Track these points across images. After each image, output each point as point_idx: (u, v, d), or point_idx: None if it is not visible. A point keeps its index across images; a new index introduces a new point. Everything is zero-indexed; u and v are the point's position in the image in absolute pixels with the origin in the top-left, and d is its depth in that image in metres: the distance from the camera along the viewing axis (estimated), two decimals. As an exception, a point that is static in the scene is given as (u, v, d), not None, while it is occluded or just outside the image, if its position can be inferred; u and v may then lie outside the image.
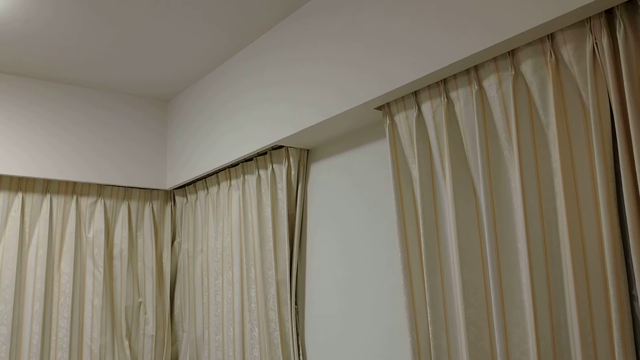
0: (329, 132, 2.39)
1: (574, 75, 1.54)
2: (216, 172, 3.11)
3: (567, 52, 1.53)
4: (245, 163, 2.85)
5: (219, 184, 3.09)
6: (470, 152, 1.79)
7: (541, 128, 1.61)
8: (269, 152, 2.66)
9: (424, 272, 1.85)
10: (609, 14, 1.45)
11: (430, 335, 1.82)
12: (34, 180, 3.09)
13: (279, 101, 2.50)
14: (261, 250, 2.64)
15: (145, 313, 3.31)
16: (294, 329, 2.52)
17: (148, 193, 3.46)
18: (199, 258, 3.21)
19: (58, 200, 3.15)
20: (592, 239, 1.48)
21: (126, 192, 3.38)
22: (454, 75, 1.82)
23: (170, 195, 3.55)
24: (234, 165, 2.94)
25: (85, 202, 3.24)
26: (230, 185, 2.97)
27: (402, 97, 2.00)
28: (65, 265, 3.10)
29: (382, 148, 2.26)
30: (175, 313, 3.40)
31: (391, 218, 2.17)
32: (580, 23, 1.50)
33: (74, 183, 3.21)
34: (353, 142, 2.41)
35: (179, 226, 3.48)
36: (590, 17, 1.48)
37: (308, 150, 2.66)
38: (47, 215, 3.08)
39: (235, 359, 2.77)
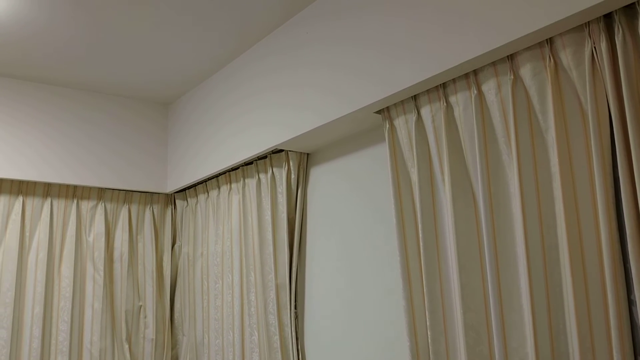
0: (329, 136, 2.40)
1: (572, 80, 1.54)
2: (216, 176, 3.11)
3: (566, 57, 1.53)
4: (245, 167, 2.85)
5: (219, 188, 3.09)
6: (470, 156, 1.79)
7: (540, 132, 1.61)
8: (269, 155, 2.67)
9: (423, 276, 1.85)
10: (608, 18, 1.46)
11: (429, 340, 1.81)
12: (35, 183, 3.09)
13: (279, 105, 2.50)
14: (261, 254, 2.64)
15: (145, 317, 3.31)
16: (294, 333, 2.51)
17: (148, 197, 3.46)
18: (199, 262, 3.21)
19: (58, 204, 3.16)
20: (591, 244, 1.48)
21: (126, 195, 3.38)
22: (453, 79, 1.83)
23: (170, 199, 3.55)
24: (234, 168, 2.95)
25: (86, 205, 3.24)
26: (231, 188, 2.97)
27: (402, 101, 2.00)
28: (66, 269, 3.10)
29: (381, 152, 2.26)
30: (175, 317, 3.40)
31: (390, 222, 2.17)
32: (579, 27, 1.51)
33: (75, 187, 3.22)
34: (352, 146, 2.41)
35: (179, 230, 3.48)
36: (589, 22, 1.48)
37: (308, 154, 2.66)
38: (48, 219, 3.09)
39: (235, 363, 2.77)
